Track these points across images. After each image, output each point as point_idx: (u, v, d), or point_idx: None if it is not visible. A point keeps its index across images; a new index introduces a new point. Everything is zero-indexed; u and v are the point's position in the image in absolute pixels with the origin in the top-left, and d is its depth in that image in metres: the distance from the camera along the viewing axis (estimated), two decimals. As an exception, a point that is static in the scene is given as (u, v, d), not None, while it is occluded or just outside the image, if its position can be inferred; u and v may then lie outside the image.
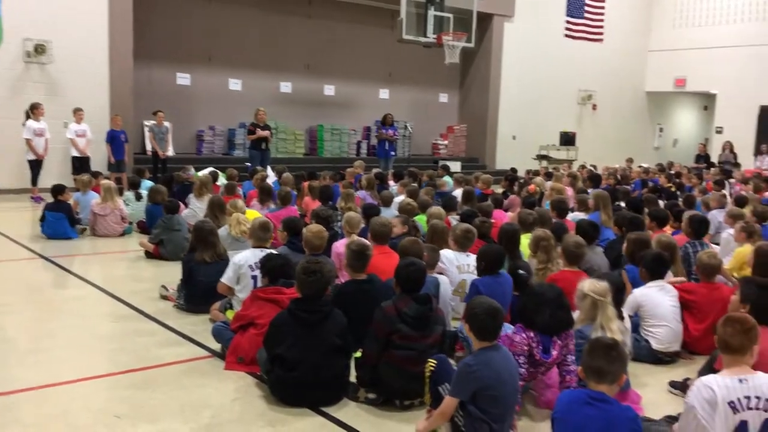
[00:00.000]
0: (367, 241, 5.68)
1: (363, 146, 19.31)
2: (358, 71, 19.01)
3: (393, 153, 17.41)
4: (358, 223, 6.97)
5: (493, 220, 7.72)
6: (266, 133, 14.62)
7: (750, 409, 3.40)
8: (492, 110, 20.24)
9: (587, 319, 4.42)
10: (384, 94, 19.80)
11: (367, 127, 19.39)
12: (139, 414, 4.16)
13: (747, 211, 9.23)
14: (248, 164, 14.41)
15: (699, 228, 7.31)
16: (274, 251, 5.67)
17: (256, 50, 17.41)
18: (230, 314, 5.45)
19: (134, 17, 14.30)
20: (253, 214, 8.11)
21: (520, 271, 4.81)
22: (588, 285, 4.49)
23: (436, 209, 7.86)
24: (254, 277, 5.55)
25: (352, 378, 4.51)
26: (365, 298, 4.84)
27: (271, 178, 13.08)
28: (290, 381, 4.26)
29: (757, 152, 18.94)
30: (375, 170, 13.09)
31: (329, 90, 18.91)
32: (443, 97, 21.09)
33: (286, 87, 18.18)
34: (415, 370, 4.10)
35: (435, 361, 3.88)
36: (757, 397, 3.41)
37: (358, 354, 4.47)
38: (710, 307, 5.49)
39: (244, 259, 5.67)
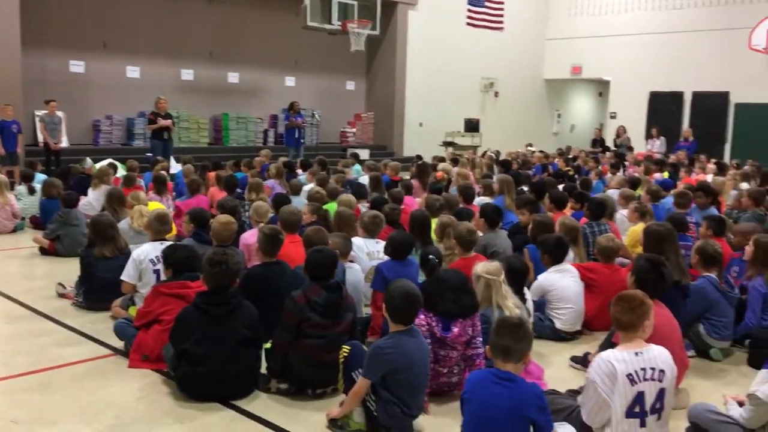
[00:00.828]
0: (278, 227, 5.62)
1: (270, 135, 19.03)
2: (263, 58, 18.68)
3: (303, 141, 17.28)
4: (267, 212, 6.88)
5: (403, 206, 7.80)
6: (168, 122, 14.14)
7: (646, 380, 3.59)
8: (399, 98, 20.40)
9: (484, 300, 4.53)
10: (290, 81, 19.56)
11: (274, 115, 19.11)
12: (38, 418, 3.96)
13: (642, 191, 9.74)
14: (149, 155, 13.92)
15: (597, 210, 7.63)
16: (177, 243, 5.50)
17: (155, 36, 16.77)
18: (133, 311, 5.26)
19: (21, 1, 13.46)
20: (156, 206, 7.84)
21: (430, 257, 4.86)
22: (480, 267, 4.62)
23: (347, 197, 7.86)
24: (157, 271, 5.37)
25: (264, 369, 4.46)
26: (275, 282, 4.80)
27: (175, 168, 12.69)
28: (198, 376, 4.16)
29: (648, 136, 19.99)
30: (283, 159, 12.94)
31: (233, 77, 18.50)
32: (350, 85, 21.07)
33: (188, 74, 17.63)
34: (326, 359, 4.10)
35: (349, 348, 3.89)
36: (652, 369, 3.61)
37: (269, 345, 4.41)
38: (609, 287, 5.74)
39: (144, 253, 5.47)
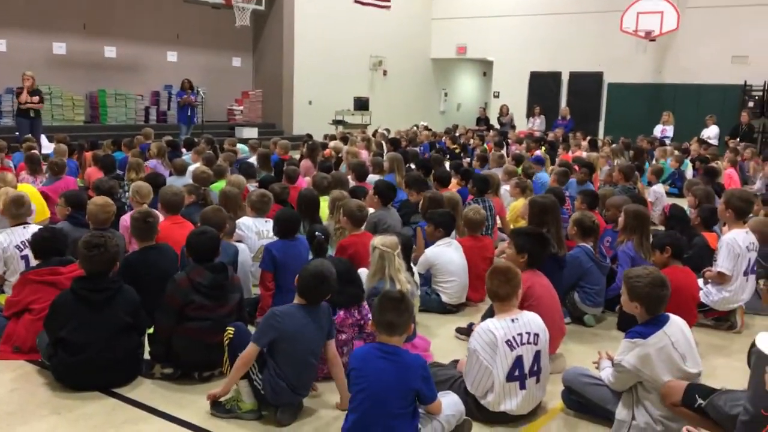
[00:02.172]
0: (151, 209, 5.42)
1: (152, 112, 18.26)
2: (142, 32, 17.83)
3: (195, 120, 16.73)
4: (149, 192, 6.60)
5: (294, 186, 7.74)
6: (35, 99, 13.23)
7: (523, 344, 3.78)
8: (287, 75, 20.10)
9: (378, 271, 4.60)
10: (172, 56, 18.82)
11: (156, 91, 18.34)
12: None
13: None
14: (17, 133, 13.00)
15: (481, 186, 7.88)
16: (43, 227, 5.18)
17: (22, 6, 15.63)
18: (1, 299, 4.93)
19: None
20: (26, 188, 7.35)
21: (317, 234, 4.85)
22: (378, 239, 4.70)
23: (236, 177, 7.70)
24: (25, 257, 5.05)
25: (147, 355, 4.32)
26: (154, 266, 4.64)
27: (47, 148, 11.95)
28: (76, 365, 3.98)
29: (530, 114, 20.79)
30: (167, 138, 12.47)
31: (110, 52, 17.56)
32: (236, 61, 20.54)
33: (60, 48, 16.56)
34: (212, 341, 4.02)
35: (233, 329, 3.84)
36: (527, 333, 3.81)
37: (152, 330, 4.27)
38: (477, 258, 5.96)
39: (7, 240, 5.13)
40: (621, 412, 3.74)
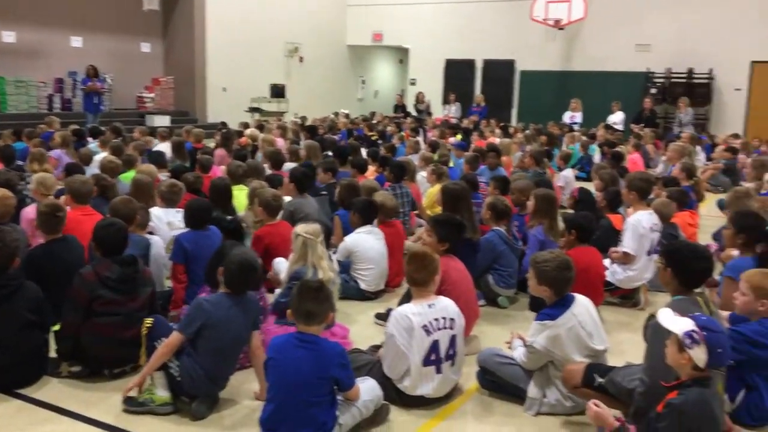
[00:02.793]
0: (59, 202, 5.19)
1: (56, 100, 17.40)
2: (44, 15, 16.93)
3: (102, 107, 16.05)
4: (53, 184, 6.32)
5: (208, 175, 7.57)
6: None
7: (439, 329, 3.85)
8: (199, 61, 19.58)
9: (300, 258, 4.59)
10: (77, 42, 17.97)
11: (59, 78, 17.48)
12: None
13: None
14: None
15: (398, 173, 7.93)
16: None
17: None
18: None
19: None
20: None
21: (226, 222, 4.79)
22: (301, 227, 4.71)
23: (147, 166, 7.47)
24: None
25: (54, 353, 4.14)
26: (60, 260, 4.45)
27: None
28: (-25, 366, 3.77)
29: (445, 101, 21.07)
30: (73, 127, 11.94)
31: (9, 36, 16.60)
32: (146, 47, 19.84)
33: (-48, 32, 15.57)
34: (124, 336, 3.91)
35: (152, 320, 3.75)
36: (444, 318, 3.88)
37: (58, 327, 4.10)
38: (392, 245, 6.01)
39: None
40: (533, 390, 3.87)
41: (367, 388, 3.60)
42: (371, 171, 9.09)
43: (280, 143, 11.41)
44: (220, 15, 19.47)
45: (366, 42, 24.03)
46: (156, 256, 5.17)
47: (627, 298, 5.89)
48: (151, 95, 19.31)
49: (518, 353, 4.00)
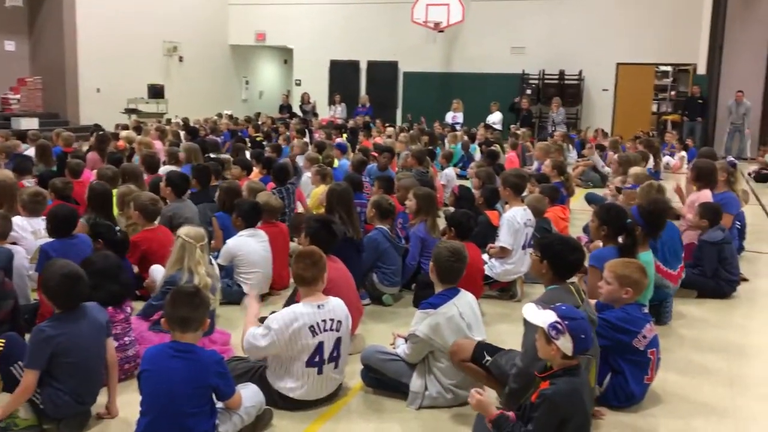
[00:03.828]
0: None
1: None
2: None
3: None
4: None
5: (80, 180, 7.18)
6: None
7: (326, 331, 3.83)
8: (70, 60, 18.52)
9: (176, 262, 4.44)
10: (-71, 39, 16.59)
11: None
12: None
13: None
14: None
15: (280, 174, 7.85)
16: None
17: None
18: None
19: None
20: None
21: (100, 228, 4.56)
22: (184, 229, 4.56)
23: (4, 171, 6.98)
24: None
25: None
26: None
27: None
28: None
29: (331, 102, 21.09)
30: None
31: None
32: (10, 45, 18.56)
33: None
34: (-19, 354, 3.61)
35: (3, 341, 3.47)
36: (332, 320, 3.87)
37: None
38: (276, 246, 5.95)
39: None
40: (415, 384, 3.94)
41: (249, 394, 3.53)
42: (255, 173, 8.95)
43: (158, 146, 11.00)
44: (92, 11, 18.53)
45: (249, 42, 23.64)
46: (19, 267, 4.84)
47: (505, 290, 6.11)
48: (17, 96, 18.08)
49: (401, 348, 4.06)
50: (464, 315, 3.93)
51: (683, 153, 14.56)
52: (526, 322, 3.48)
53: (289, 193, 7.69)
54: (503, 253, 6.01)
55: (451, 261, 3.96)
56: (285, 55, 25.45)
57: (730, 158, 8.08)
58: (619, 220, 4.77)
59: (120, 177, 7.02)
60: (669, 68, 19.51)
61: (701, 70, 17.75)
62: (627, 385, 3.99)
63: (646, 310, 4.22)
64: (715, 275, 6.17)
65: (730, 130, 17.23)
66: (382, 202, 5.96)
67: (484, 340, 4.01)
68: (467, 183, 8.85)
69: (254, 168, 9.05)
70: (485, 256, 6.00)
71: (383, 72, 21.49)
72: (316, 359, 3.80)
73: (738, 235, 7.23)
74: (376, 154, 10.20)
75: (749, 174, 13.92)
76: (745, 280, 6.57)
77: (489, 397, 3.25)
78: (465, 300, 4.01)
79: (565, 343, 3.02)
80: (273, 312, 5.02)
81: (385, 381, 4.07)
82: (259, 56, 25.70)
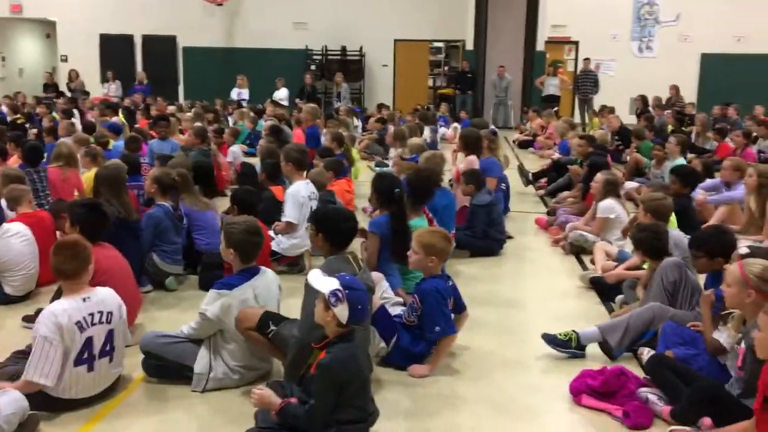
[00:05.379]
0: None
1: None
2: None
3: None
4: None
5: None
6: None
7: (94, 324, 3.57)
8: None
9: None
10: None
11: None
12: None
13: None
14: None
15: (30, 156, 7.20)
16: None
17: None
18: None
19: None
20: None
21: None
22: None
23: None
24: None
25: None
26: None
27: None
28: None
29: (104, 80, 19.62)
30: None
31: None
32: None
33: None
34: None
35: None
36: (100, 312, 3.61)
37: None
38: (40, 237, 5.39)
39: None
40: (199, 365, 3.82)
41: (8, 401, 3.20)
42: (14, 159, 8.07)
43: None
44: None
45: (3, 14, 21.15)
46: None
47: (293, 265, 6.13)
48: None
49: (185, 327, 3.91)
50: (259, 297, 3.87)
51: (456, 124, 15.55)
52: (306, 291, 3.52)
53: (41, 176, 7.04)
54: (289, 228, 6.02)
55: (248, 237, 3.86)
56: (47, 28, 23.13)
57: (492, 127, 8.80)
58: (391, 189, 5.00)
59: None
60: (442, 44, 20.66)
61: (469, 46, 19.04)
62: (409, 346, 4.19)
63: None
64: (485, 235, 6.69)
65: (495, 103, 18.77)
66: (164, 177, 5.71)
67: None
68: (254, 160, 8.73)
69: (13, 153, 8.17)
70: (271, 233, 5.96)
71: (161, 47, 20.40)
72: (85, 356, 3.54)
73: (504, 197, 7.90)
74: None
75: (513, 141, 15.27)
76: (510, 237, 7.20)
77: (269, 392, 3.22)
78: (265, 280, 3.94)
79: (342, 311, 3.10)
80: (39, 309, 4.65)
81: (167, 367, 3.89)
82: (16, 30, 23.11)
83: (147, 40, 20.56)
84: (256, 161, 8.71)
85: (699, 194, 7.22)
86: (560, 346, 4.38)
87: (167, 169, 6.15)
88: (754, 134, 11.44)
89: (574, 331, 4.42)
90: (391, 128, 11.64)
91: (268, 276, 3.99)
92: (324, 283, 3.18)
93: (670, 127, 13.29)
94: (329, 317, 3.11)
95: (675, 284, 4.40)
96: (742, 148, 10.34)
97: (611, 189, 6.55)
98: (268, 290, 3.95)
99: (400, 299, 4.65)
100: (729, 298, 3.47)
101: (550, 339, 4.39)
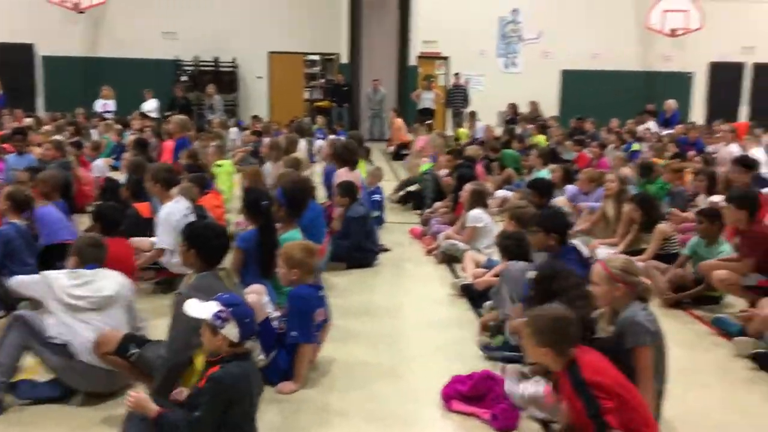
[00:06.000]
0: None
1: None
2: None
3: None
4: None
5: None
6: None
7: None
8: None
9: None
10: None
11: None
12: None
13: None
14: None
15: None
16: None
17: None
18: None
19: None
20: None
21: None
22: None
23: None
24: None
25: None
26: None
27: None
28: None
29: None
30: None
31: None
32: None
33: None
34: None
35: None
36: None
37: None
38: None
39: None
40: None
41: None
42: None
43: None
44: None
45: None
46: None
47: (169, 282, 5.82)
48: None
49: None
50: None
51: (332, 137, 15.60)
52: (175, 309, 3.39)
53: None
54: (158, 256, 5.71)
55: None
56: None
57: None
58: (256, 201, 4.94)
59: None
60: (317, 57, 20.67)
61: (344, 59, 19.19)
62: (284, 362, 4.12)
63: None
64: (359, 247, 6.73)
65: (370, 115, 19.03)
66: (17, 194, 5.34)
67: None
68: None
69: None
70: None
71: (16, 55, 19.07)
72: None
73: (378, 207, 7.99)
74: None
75: (389, 153, 15.52)
76: (387, 250, 7.28)
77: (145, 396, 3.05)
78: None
79: (231, 330, 3.03)
80: None
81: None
82: None
83: (0, 47, 19.17)
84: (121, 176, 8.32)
85: (559, 201, 7.66)
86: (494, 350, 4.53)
87: (21, 185, 5.75)
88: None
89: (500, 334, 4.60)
90: (266, 140, 11.50)
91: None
92: (202, 309, 3.07)
93: (533, 139, 13.97)
94: (219, 341, 3.01)
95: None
96: (597, 158, 11.06)
97: (478, 199, 6.79)
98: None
99: (278, 313, 4.58)
100: (600, 296, 3.61)
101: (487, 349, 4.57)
